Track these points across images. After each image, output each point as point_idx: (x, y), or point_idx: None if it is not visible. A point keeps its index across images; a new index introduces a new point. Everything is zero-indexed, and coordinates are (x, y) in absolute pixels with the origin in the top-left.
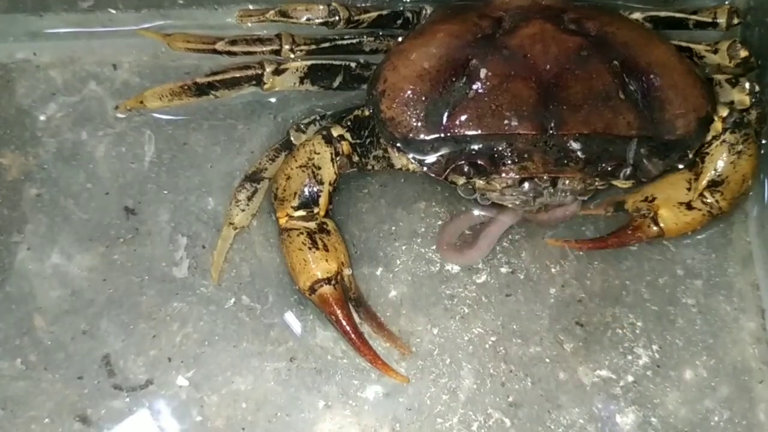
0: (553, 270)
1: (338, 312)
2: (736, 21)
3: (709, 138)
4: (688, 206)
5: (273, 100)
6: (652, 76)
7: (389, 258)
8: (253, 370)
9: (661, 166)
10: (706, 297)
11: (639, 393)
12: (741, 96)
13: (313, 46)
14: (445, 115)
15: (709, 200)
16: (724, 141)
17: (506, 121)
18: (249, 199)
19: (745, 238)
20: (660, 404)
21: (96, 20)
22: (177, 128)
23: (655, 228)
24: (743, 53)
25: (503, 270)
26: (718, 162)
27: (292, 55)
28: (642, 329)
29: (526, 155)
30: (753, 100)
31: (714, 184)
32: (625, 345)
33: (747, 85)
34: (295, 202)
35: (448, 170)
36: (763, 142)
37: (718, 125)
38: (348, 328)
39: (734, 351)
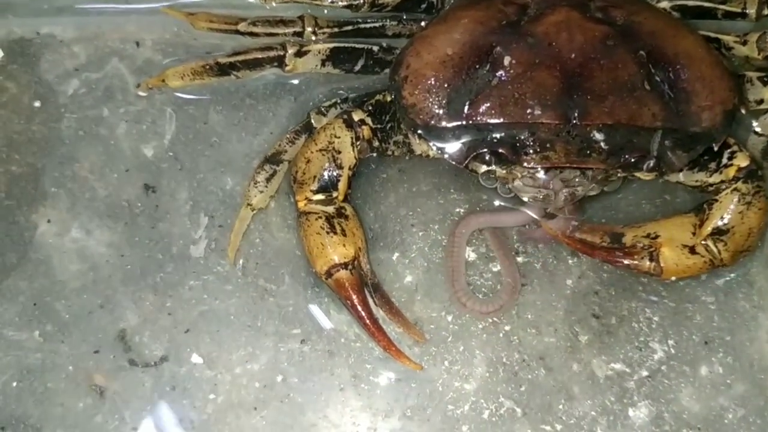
0: (570, 261)
1: (354, 297)
2: (766, 12)
3: (717, 180)
4: (692, 250)
5: (294, 81)
6: (678, 67)
7: (406, 244)
8: (267, 351)
9: (685, 159)
10: (726, 294)
11: (653, 387)
12: None
13: (336, 29)
14: (468, 102)
15: (711, 248)
16: (735, 189)
17: (529, 110)
18: (268, 180)
19: None
20: (674, 400)
21: None
22: (198, 107)
23: (650, 263)
24: None
25: (519, 259)
26: (726, 210)
27: (314, 38)
28: (658, 324)
29: (548, 145)
30: None
31: (719, 233)
32: (640, 339)
33: None
34: (315, 186)
35: (469, 158)
36: None
37: (730, 172)
38: (363, 313)
39: (751, 349)
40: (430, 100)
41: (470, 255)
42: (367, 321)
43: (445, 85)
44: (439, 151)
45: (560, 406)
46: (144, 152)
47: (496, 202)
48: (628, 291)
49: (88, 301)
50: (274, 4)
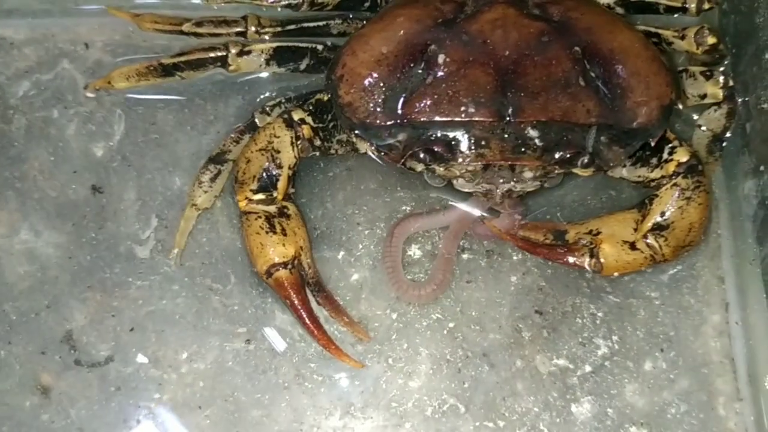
0: (514, 257)
1: (293, 296)
2: (707, 6)
3: (658, 176)
4: (632, 246)
5: (243, 81)
6: (614, 62)
7: (351, 242)
8: (212, 350)
9: (622, 155)
10: (670, 289)
11: (596, 383)
12: (714, 89)
13: (279, 29)
14: (403, 101)
15: (652, 244)
16: (675, 184)
17: (463, 108)
18: (212, 180)
19: (716, 230)
20: (617, 395)
21: None
22: (147, 108)
23: (590, 259)
24: (711, 40)
25: (465, 256)
26: (666, 205)
27: (258, 37)
28: (602, 320)
29: (483, 142)
30: (725, 93)
31: (659, 228)
32: (584, 335)
33: (721, 78)
34: (254, 186)
35: (405, 157)
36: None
37: (670, 167)
38: (302, 312)
39: (696, 344)
40: (366, 98)
41: (415, 252)
42: (307, 320)
43: (381, 84)
44: (376, 150)
45: (503, 403)
46: (93, 153)
47: (450, 201)
48: (572, 287)
49: (35, 302)
50: (223, 4)
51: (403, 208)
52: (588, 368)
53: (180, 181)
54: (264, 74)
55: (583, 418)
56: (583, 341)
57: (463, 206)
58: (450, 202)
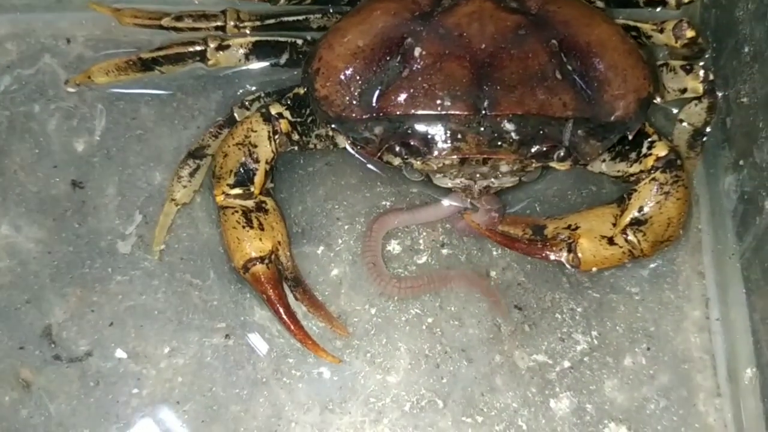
0: (494, 253)
1: (270, 291)
2: (686, 0)
3: (637, 170)
4: (610, 241)
5: (224, 75)
6: (591, 56)
7: (331, 237)
8: (192, 346)
9: (599, 148)
10: (651, 285)
11: (575, 379)
12: (694, 83)
13: (258, 23)
14: (379, 94)
15: (630, 239)
16: (653, 179)
17: (439, 101)
18: (191, 175)
19: (696, 225)
20: (596, 391)
21: None
22: (129, 103)
23: (568, 254)
24: (689, 33)
25: (444, 251)
26: (645, 200)
27: (238, 32)
28: (582, 315)
29: (459, 136)
30: (706, 87)
31: (637, 223)
32: (563, 330)
33: (701, 72)
34: (231, 180)
35: (381, 151)
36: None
37: (649, 161)
38: (279, 307)
39: (676, 339)
40: (342, 92)
41: (395, 248)
42: (283, 315)
43: (357, 77)
44: (353, 144)
45: (482, 398)
46: (75, 147)
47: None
48: (552, 282)
49: (15, 297)
50: None
51: (384, 203)
52: (567, 364)
53: (161, 176)
54: (246, 68)
55: (562, 414)
56: (563, 336)
57: (445, 203)
58: (437, 199)
